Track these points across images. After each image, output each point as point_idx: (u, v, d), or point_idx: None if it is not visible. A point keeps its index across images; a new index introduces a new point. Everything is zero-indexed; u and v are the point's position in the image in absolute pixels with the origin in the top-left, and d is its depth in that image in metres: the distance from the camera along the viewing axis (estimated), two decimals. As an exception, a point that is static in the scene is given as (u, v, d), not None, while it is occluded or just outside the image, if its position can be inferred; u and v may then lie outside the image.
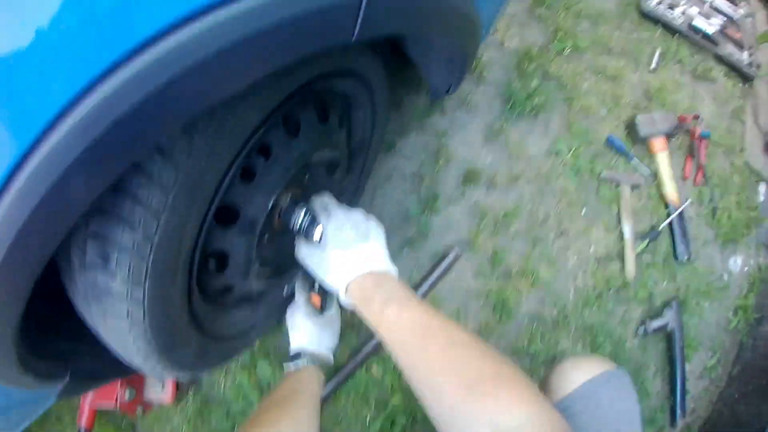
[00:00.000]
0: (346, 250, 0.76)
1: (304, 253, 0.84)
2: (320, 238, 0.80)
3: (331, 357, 1.08)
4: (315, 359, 1.03)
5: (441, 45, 0.87)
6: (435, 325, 0.64)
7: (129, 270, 0.57)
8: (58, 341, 0.76)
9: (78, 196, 0.44)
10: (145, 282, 0.60)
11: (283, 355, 1.33)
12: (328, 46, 0.53)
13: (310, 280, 1.02)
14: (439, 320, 0.65)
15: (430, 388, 0.61)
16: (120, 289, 0.59)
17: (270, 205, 0.78)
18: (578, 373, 0.75)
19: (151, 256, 0.58)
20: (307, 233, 0.82)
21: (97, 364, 0.85)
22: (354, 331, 1.31)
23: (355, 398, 1.29)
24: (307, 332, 1.04)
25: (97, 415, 1.30)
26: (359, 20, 0.53)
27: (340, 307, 1.08)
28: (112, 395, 1.24)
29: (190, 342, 0.80)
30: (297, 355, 1.03)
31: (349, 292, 0.75)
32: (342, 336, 1.31)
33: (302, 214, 0.83)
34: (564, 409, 0.73)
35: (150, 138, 0.45)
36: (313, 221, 0.82)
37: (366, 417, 1.28)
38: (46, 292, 0.63)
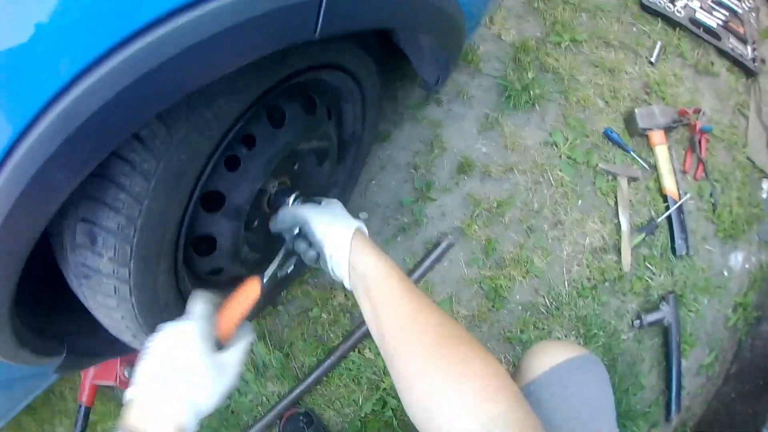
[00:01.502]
0: (339, 218, 0.77)
1: (301, 208, 0.80)
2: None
3: None
4: None
5: (421, 39, 0.88)
6: (427, 301, 0.64)
7: (114, 251, 0.61)
8: (55, 319, 0.79)
9: (61, 182, 0.47)
10: (130, 262, 0.63)
11: (277, 338, 1.35)
12: (291, 43, 0.55)
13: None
14: (428, 297, 0.66)
15: (415, 363, 0.59)
16: (107, 269, 0.62)
17: (256, 191, 0.80)
18: (546, 357, 0.74)
19: (135, 238, 0.61)
20: None
21: (93, 341, 0.88)
22: (347, 315, 1.32)
23: (347, 380, 1.30)
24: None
25: (98, 392, 1.33)
26: (320, 17, 0.55)
27: None
28: (112, 373, 1.27)
29: None
30: None
31: (353, 243, 0.72)
32: (336, 320, 1.33)
33: (292, 198, 0.85)
34: (530, 393, 0.71)
35: (127, 128, 0.49)
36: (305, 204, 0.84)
37: (358, 398, 1.29)
38: (41, 274, 0.69)
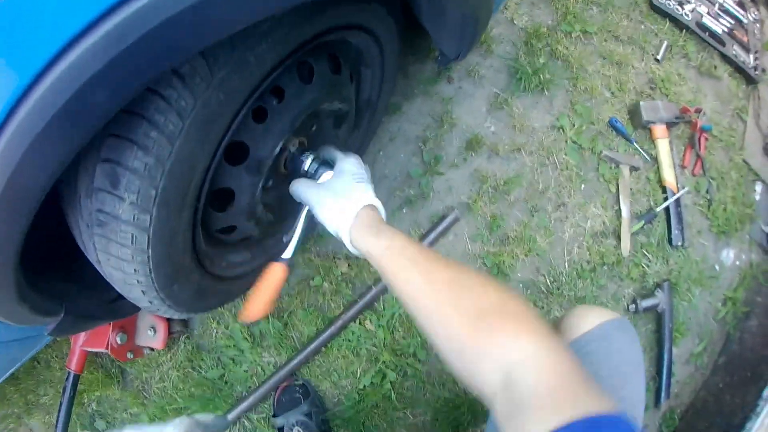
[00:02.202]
0: (342, 200, 0.76)
1: (307, 191, 0.82)
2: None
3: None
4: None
5: (454, 8, 0.89)
6: (440, 258, 0.64)
7: (138, 194, 0.58)
8: (54, 280, 0.77)
9: (100, 108, 0.45)
10: (152, 208, 0.60)
11: (276, 306, 1.34)
12: None
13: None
14: (442, 256, 0.65)
15: (439, 322, 0.59)
16: (127, 214, 0.59)
17: (279, 147, 0.80)
18: (593, 316, 0.77)
19: (162, 182, 0.59)
20: (313, 177, 0.84)
21: (90, 304, 0.86)
22: (349, 285, 1.32)
23: (346, 351, 1.29)
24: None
25: (87, 361, 1.29)
26: None
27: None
28: (104, 339, 1.22)
29: (190, 278, 0.81)
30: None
31: (356, 224, 0.73)
32: (337, 290, 1.33)
33: (310, 159, 0.85)
34: (580, 347, 0.74)
35: (174, 57, 0.48)
36: (318, 170, 0.84)
37: (356, 371, 1.29)
38: (43, 235, 0.64)
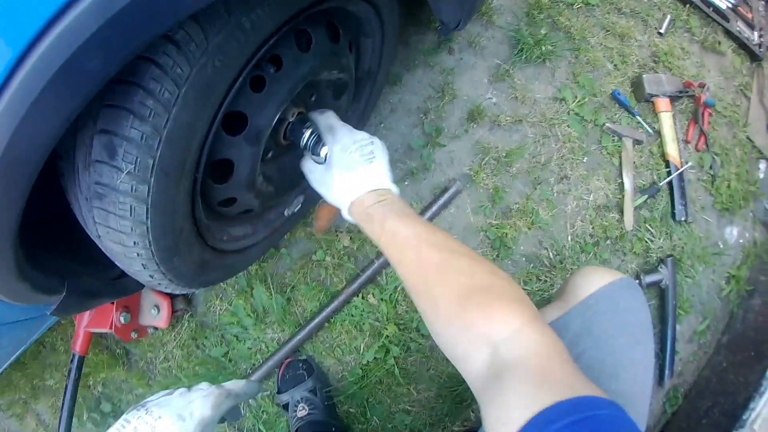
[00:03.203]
0: (350, 171, 0.76)
1: (309, 169, 0.85)
2: (325, 158, 0.80)
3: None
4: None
5: None
6: (432, 238, 0.64)
7: (135, 164, 0.57)
8: (54, 258, 0.76)
9: (95, 72, 0.45)
10: (150, 178, 0.60)
11: (279, 282, 1.32)
12: None
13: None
14: (437, 234, 0.65)
15: (426, 300, 0.61)
16: (125, 185, 0.59)
17: (277, 116, 0.79)
18: (599, 276, 0.77)
19: (159, 151, 0.58)
20: (313, 151, 0.83)
21: (93, 282, 0.86)
22: (351, 259, 1.30)
23: (350, 326, 1.27)
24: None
25: (92, 343, 1.28)
26: None
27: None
28: (107, 319, 1.22)
29: (191, 251, 0.81)
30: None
31: (351, 209, 0.76)
32: (340, 264, 1.31)
33: (308, 132, 0.83)
34: (587, 308, 0.75)
35: (165, 20, 0.47)
36: (319, 140, 0.82)
37: (360, 346, 1.27)
38: (43, 212, 0.65)
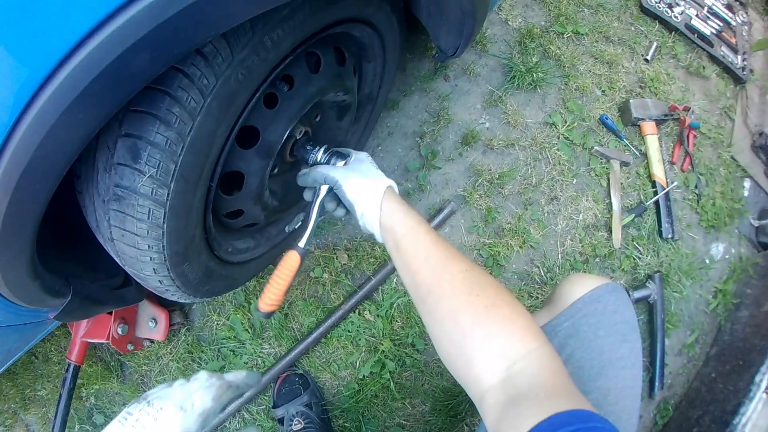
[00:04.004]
0: (370, 178, 0.79)
1: (332, 171, 0.83)
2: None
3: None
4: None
5: (454, 5, 0.92)
6: (455, 252, 0.68)
7: (158, 168, 0.60)
8: (61, 260, 0.79)
9: (137, 76, 0.48)
10: (171, 182, 0.63)
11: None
12: None
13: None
14: (459, 253, 0.69)
15: (446, 310, 0.62)
16: (146, 188, 0.62)
17: (287, 133, 0.84)
18: (586, 282, 0.81)
19: (181, 157, 0.61)
20: (328, 164, 0.87)
21: (96, 288, 0.88)
22: (349, 276, 1.35)
23: (346, 342, 1.31)
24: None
25: (86, 354, 1.28)
26: None
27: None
28: (105, 330, 1.23)
29: (200, 259, 0.85)
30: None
31: (384, 201, 0.76)
32: (337, 281, 1.35)
33: (322, 150, 0.88)
34: (576, 310, 0.78)
35: (201, 36, 0.51)
36: (333, 157, 0.87)
37: (356, 361, 1.31)
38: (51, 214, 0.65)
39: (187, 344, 1.38)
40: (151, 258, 0.72)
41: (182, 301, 0.91)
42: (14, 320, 0.79)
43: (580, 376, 0.69)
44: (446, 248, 0.68)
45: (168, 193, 0.64)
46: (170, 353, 1.39)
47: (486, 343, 0.57)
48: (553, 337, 0.78)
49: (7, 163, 0.45)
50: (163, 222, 0.67)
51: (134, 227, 0.66)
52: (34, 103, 0.43)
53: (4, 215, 0.49)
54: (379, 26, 0.94)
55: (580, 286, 0.80)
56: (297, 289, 1.36)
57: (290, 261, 0.81)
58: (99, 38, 0.42)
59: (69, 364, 1.25)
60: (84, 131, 0.48)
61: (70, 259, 0.84)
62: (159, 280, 0.78)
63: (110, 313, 1.23)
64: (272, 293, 0.81)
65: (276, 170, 0.94)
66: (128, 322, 1.28)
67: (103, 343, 1.27)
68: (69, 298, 0.74)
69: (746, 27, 1.95)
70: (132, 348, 1.31)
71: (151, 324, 1.31)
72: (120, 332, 1.24)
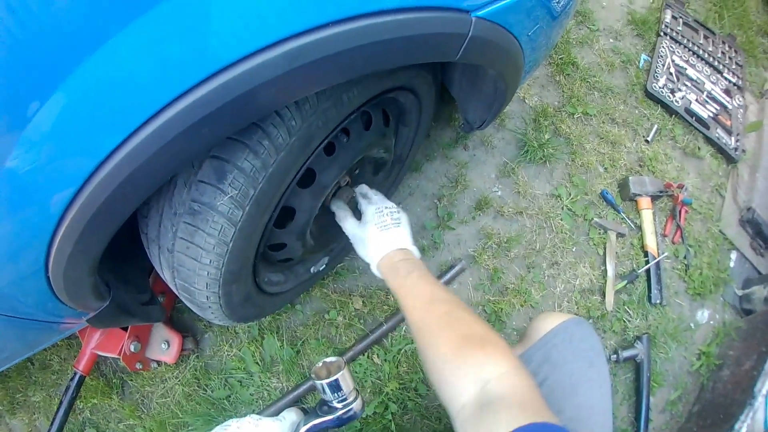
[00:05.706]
0: (382, 231, 0.93)
1: (349, 225, 0.99)
2: (361, 218, 0.98)
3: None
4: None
5: (489, 82, 0.99)
6: (445, 295, 0.79)
7: (239, 191, 0.66)
8: (102, 270, 0.80)
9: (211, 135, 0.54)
10: (247, 205, 0.69)
11: (290, 335, 1.43)
12: (439, 59, 0.70)
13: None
14: (448, 293, 0.82)
15: (430, 342, 0.71)
16: (224, 207, 0.67)
17: (337, 179, 0.94)
18: (555, 317, 0.91)
19: (261, 184, 0.68)
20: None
21: (128, 300, 0.93)
22: (362, 321, 1.48)
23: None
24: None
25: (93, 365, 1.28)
26: (463, 46, 0.70)
27: None
28: (118, 345, 1.23)
29: (246, 282, 0.91)
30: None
31: (381, 263, 0.90)
32: (350, 324, 1.46)
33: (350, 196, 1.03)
34: (547, 341, 0.88)
35: (300, 90, 0.59)
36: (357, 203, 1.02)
37: (362, 400, 1.42)
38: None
39: (195, 370, 1.40)
40: (208, 273, 0.76)
41: (216, 321, 0.95)
42: (44, 317, 0.78)
43: (553, 397, 0.77)
44: (432, 295, 0.78)
45: (242, 215, 0.69)
46: (176, 377, 1.40)
47: (461, 367, 0.64)
48: (527, 365, 0.83)
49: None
50: (230, 241, 0.72)
51: (203, 241, 0.71)
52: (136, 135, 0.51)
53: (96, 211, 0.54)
54: (420, 94, 1.02)
55: (549, 321, 0.90)
56: (311, 328, 1.43)
57: None
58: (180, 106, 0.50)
59: (75, 373, 1.25)
60: (166, 169, 0.56)
61: (110, 267, 0.85)
62: (207, 296, 0.82)
63: (125, 329, 1.24)
64: None
65: (318, 211, 1.00)
66: (141, 340, 1.29)
67: (111, 358, 1.27)
68: (107, 303, 0.78)
69: (742, 110, 2.12)
70: (140, 367, 1.32)
71: (164, 346, 1.32)
72: (132, 349, 1.25)
